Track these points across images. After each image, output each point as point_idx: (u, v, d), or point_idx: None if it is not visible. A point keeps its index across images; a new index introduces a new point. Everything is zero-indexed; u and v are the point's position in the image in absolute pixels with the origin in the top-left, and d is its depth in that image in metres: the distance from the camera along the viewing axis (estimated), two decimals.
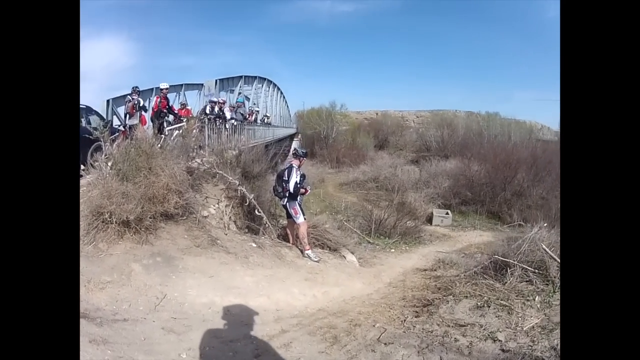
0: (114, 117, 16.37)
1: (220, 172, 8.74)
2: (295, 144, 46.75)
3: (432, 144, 41.78)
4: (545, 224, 6.19)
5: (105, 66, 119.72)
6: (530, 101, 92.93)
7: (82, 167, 7.95)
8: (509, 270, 5.39)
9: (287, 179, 7.56)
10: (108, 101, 17.26)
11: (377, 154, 40.52)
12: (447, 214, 19.23)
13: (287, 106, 49.60)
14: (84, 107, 10.11)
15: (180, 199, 6.37)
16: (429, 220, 18.61)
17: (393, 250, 11.64)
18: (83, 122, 9.61)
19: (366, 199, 23.31)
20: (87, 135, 7.34)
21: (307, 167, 33.83)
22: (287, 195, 7.60)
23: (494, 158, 23.64)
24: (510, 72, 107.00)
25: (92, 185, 6.30)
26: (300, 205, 7.70)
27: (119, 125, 11.28)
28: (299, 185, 7.55)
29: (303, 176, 7.80)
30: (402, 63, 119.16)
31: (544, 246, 5.33)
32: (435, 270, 8.19)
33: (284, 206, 7.86)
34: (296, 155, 7.97)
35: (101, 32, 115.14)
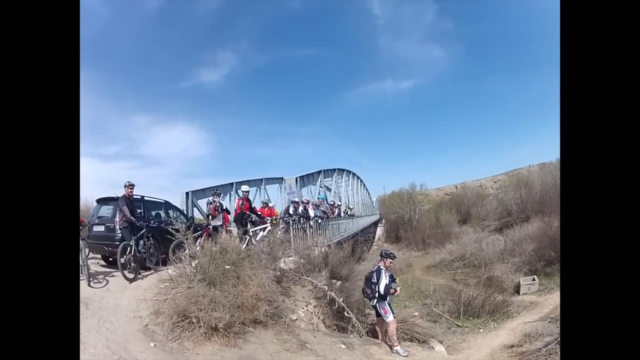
0: (194, 210, 17.29)
1: (308, 278, 9.01)
2: (379, 230, 46.60)
3: (512, 208, 40.25)
4: None
5: (179, 152, 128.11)
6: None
7: (163, 261, 8.53)
8: None
9: (376, 281, 7.78)
10: (187, 194, 17.62)
11: (461, 229, 39.24)
12: (533, 280, 18.43)
13: (368, 193, 50.09)
14: (163, 201, 10.89)
15: (270, 307, 6.62)
16: (517, 290, 17.97)
17: (482, 330, 11.48)
18: (162, 216, 10.44)
19: (454, 279, 22.66)
20: (168, 236, 8.00)
21: (394, 251, 33.38)
22: (376, 296, 7.73)
23: None
24: None
25: (174, 282, 6.72)
26: (389, 305, 7.80)
27: (203, 223, 11.71)
28: (388, 287, 7.68)
29: (392, 277, 7.94)
30: (469, 130, 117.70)
31: None
32: (521, 345, 8.15)
33: (374, 306, 7.97)
34: (382, 256, 8.16)
35: (173, 118, 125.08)
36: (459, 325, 11.85)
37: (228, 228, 11.23)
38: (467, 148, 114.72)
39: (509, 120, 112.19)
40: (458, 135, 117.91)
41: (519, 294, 17.43)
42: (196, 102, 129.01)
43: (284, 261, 9.85)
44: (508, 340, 9.15)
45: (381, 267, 7.96)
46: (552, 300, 14.80)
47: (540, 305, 14.50)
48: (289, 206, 14.84)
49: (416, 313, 10.63)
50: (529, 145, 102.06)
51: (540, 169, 49.23)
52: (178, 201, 17.42)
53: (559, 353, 5.37)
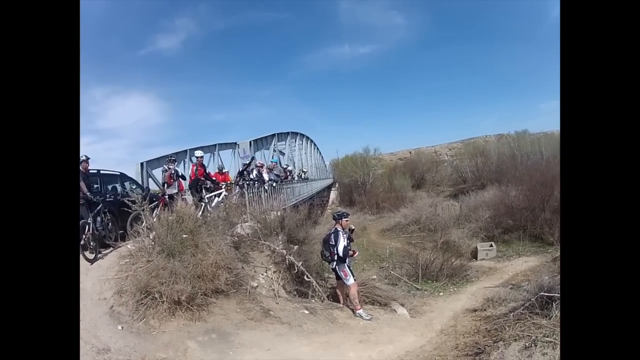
0: (150, 180, 16.81)
1: (266, 242, 8.90)
2: (333, 194, 47.05)
3: (467, 175, 41.71)
4: None
5: (135, 122, 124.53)
6: (556, 109, 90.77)
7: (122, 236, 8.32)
8: (554, 305, 5.41)
9: (334, 243, 7.69)
10: (142, 164, 17.49)
11: (415, 194, 40.15)
12: (491, 246, 18.85)
13: (322, 157, 50.43)
14: (118, 173, 10.49)
15: (230, 275, 6.51)
16: (474, 255, 18.35)
17: (442, 293, 11.60)
18: (118, 189, 10.03)
19: (410, 242, 23.01)
20: (125, 209, 7.69)
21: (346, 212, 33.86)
22: (335, 259, 7.68)
23: (529, 180, 23.00)
24: (531, 85, 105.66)
25: (134, 257, 6.55)
26: (349, 267, 7.77)
27: (158, 193, 11.53)
28: (347, 248, 7.64)
29: (350, 239, 7.89)
30: (427, 98, 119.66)
31: None
32: (484, 309, 8.21)
33: (333, 269, 7.94)
34: (335, 218, 8.08)
35: (130, 88, 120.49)
36: (418, 289, 11.89)
37: (183, 196, 10.91)
38: (423, 115, 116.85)
39: (467, 91, 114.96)
40: (414, 102, 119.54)
41: (476, 259, 17.79)
42: (153, 70, 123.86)
43: (241, 226, 9.67)
44: (470, 304, 9.27)
45: (338, 229, 7.87)
46: (512, 267, 15.23)
47: (499, 271, 14.85)
48: (242, 170, 14.81)
49: (374, 276, 10.72)
50: (486, 117, 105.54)
51: (498, 139, 50.72)
52: (134, 172, 17.13)
53: (527, 319, 5.54)
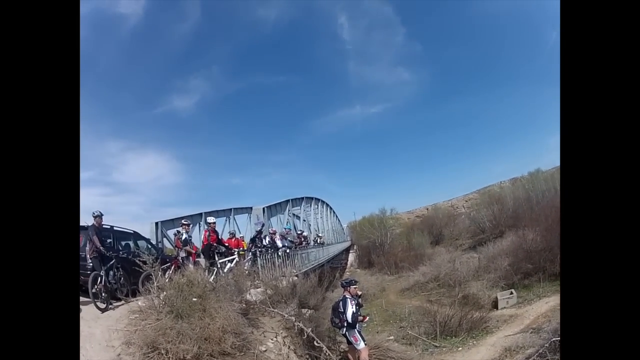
0: (165, 240, 17.03)
1: (275, 310, 8.95)
2: (351, 257, 46.54)
3: (485, 225, 40.88)
4: None
5: (151, 180, 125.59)
6: None
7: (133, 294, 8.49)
8: None
9: (342, 310, 7.76)
10: (157, 224, 17.59)
11: (434, 250, 39.59)
12: (511, 294, 18.55)
13: (338, 220, 50.29)
14: (132, 232, 10.82)
15: (237, 339, 6.55)
16: (495, 305, 18.02)
17: (460, 348, 11.40)
18: (131, 246, 10.29)
19: (429, 300, 22.49)
20: (137, 268, 7.93)
21: (367, 277, 33.31)
22: (345, 325, 7.73)
23: (545, 219, 22.79)
24: (538, 123, 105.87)
25: (144, 313, 6.69)
26: (359, 332, 7.79)
27: (172, 255, 11.72)
28: (356, 314, 7.70)
29: (358, 304, 7.96)
30: (440, 151, 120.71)
31: None
32: None
33: (344, 335, 7.95)
34: (343, 286, 8.19)
35: (145, 145, 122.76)
36: (436, 346, 11.73)
37: (197, 259, 11.13)
38: (438, 170, 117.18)
39: (477, 139, 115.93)
40: (427, 157, 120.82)
41: (497, 308, 17.53)
42: (168, 129, 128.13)
43: (250, 293, 9.74)
44: (488, 356, 9.15)
45: (346, 296, 7.96)
46: (533, 311, 14.95)
47: (520, 317, 14.60)
48: (254, 236, 14.92)
49: (391, 337, 10.58)
50: (499, 163, 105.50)
51: (512, 184, 50.54)
52: (148, 231, 17.35)
53: None
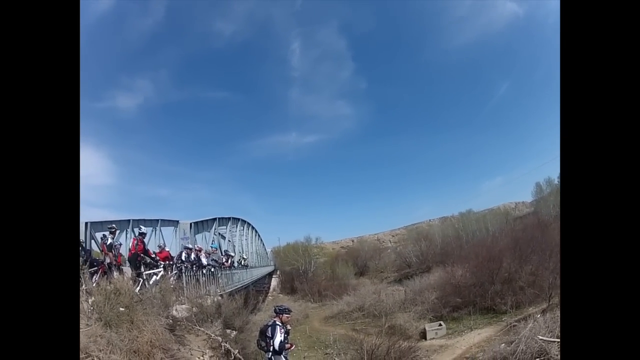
0: (93, 242, 15.89)
1: (202, 329, 8.65)
2: (274, 282, 46.05)
3: (412, 260, 42.01)
4: (538, 314, 6.42)
5: (83, 177, 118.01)
6: (500, 186, 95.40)
7: None
8: None
9: (270, 335, 7.55)
10: (87, 224, 16.05)
11: (358, 281, 40.20)
12: (440, 325, 18.94)
13: (263, 244, 49.70)
14: None
15: (165, 355, 6.27)
16: (423, 336, 18.33)
17: None
18: None
19: (354, 328, 22.62)
20: None
21: (290, 303, 32.97)
22: (271, 350, 7.54)
23: (476, 257, 23.71)
24: (471, 166, 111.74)
25: None
26: (286, 358, 7.61)
27: (100, 259, 11.01)
28: (283, 343, 7.54)
29: (287, 332, 7.80)
30: (369, 186, 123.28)
31: (540, 337, 5.56)
32: None
33: (269, 359, 7.73)
34: (277, 312, 8.01)
35: (84, 139, 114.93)
36: None
37: (122, 266, 10.54)
38: (366, 204, 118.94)
39: (409, 179, 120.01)
40: (356, 191, 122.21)
41: (426, 339, 17.86)
42: (107, 126, 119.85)
43: (176, 309, 9.33)
44: None
45: (277, 322, 7.76)
46: (464, 342, 15.34)
47: (451, 347, 14.91)
48: (181, 252, 14.53)
49: None
50: (428, 203, 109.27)
51: (442, 222, 52.65)
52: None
53: None
